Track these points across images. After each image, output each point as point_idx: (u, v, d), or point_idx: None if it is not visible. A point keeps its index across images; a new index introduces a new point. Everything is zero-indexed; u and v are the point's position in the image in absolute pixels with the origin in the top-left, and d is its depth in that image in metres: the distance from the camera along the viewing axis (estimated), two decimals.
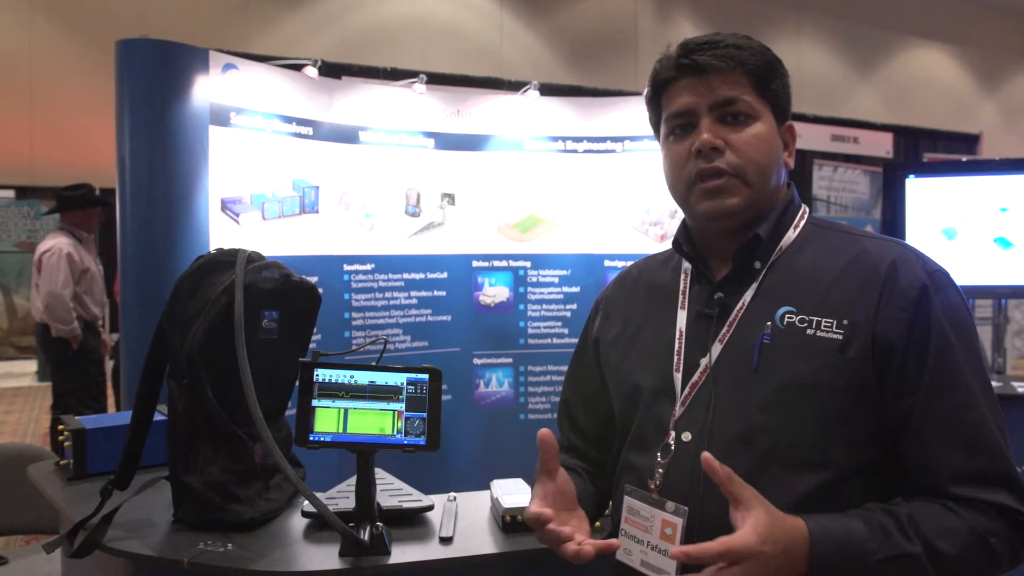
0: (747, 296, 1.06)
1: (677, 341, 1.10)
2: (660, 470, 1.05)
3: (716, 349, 1.05)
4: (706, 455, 0.89)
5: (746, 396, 1.01)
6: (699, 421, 1.03)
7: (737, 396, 1.02)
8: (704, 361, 1.06)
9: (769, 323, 1.02)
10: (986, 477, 0.94)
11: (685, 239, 1.14)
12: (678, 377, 1.07)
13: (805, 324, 1.01)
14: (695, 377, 1.06)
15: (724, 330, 1.06)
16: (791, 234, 1.09)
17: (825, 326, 0.99)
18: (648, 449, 1.08)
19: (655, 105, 1.14)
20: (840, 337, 0.98)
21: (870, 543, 0.90)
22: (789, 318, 1.02)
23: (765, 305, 1.04)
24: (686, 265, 1.15)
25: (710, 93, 1.05)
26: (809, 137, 8.32)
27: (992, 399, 0.98)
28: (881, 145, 9.10)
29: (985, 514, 0.93)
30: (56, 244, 4.42)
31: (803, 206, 1.14)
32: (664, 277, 1.19)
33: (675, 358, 1.09)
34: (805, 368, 0.99)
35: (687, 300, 1.12)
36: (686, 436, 1.04)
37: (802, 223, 1.10)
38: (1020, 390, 2.94)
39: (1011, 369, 4.50)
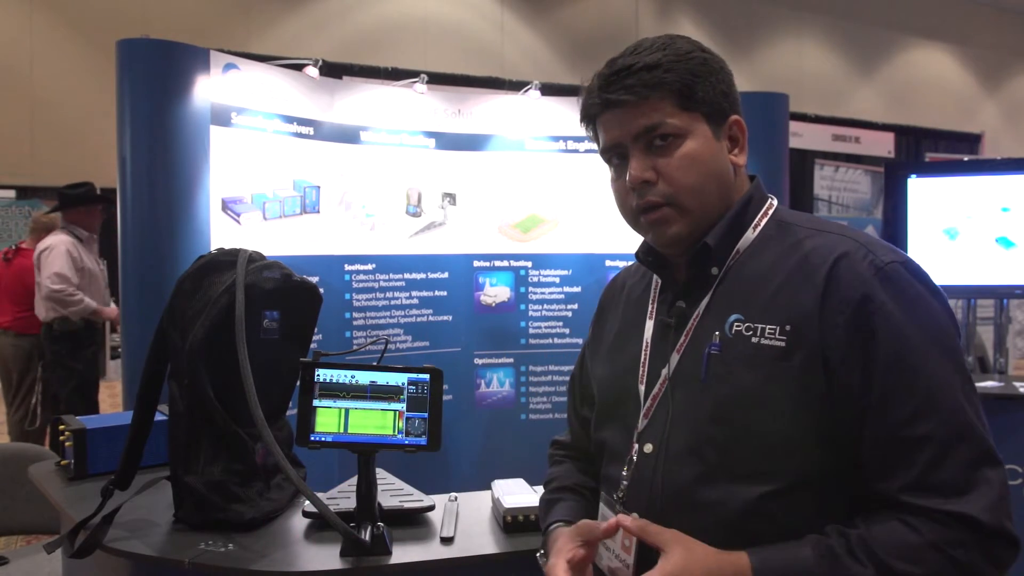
0: (703, 304, 1.03)
1: (643, 352, 1.08)
2: (624, 482, 1.04)
3: (674, 359, 1.03)
4: (618, 518, 0.94)
5: (695, 407, 0.99)
6: (658, 433, 1.02)
7: (688, 407, 1.00)
8: (664, 372, 1.04)
9: (718, 333, 0.99)
10: (942, 487, 0.87)
11: (646, 249, 1.12)
12: (642, 388, 1.06)
13: (750, 332, 0.97)
14: (655, 388, 1.04)
15: (681, 339, 1.03)
16: (750, 234, 1.04)
17: (768, 333, 0.95)
18: (617, 460, 1.08)
19: (594, 135, 1.11)
20: (783, 344, 0.94)
21: (816, 570, 0.87)
22: (737, 326, 0.98)
23: (717, 313, 1.01)
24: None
25: (630, 124, 1.01)
26: (810, 137, 8.32)
27: (959, 399, 0.90)
28: (883, 145, 9.11)
29: (944, 524, 0.86)
30: (55, 241, 4.42)
31: (769, 199, 1.08)
32: (640, 287, 1.17)
33: (640, 369, 1.07)
34: (749, 378, 0.95)
35: (654, 310, 1.11)
36: (647, 448, 1.03)
37: (763, 221, 1.05)
38: (1022, 390, 2.93)
39: (1013, 369, 4.49)
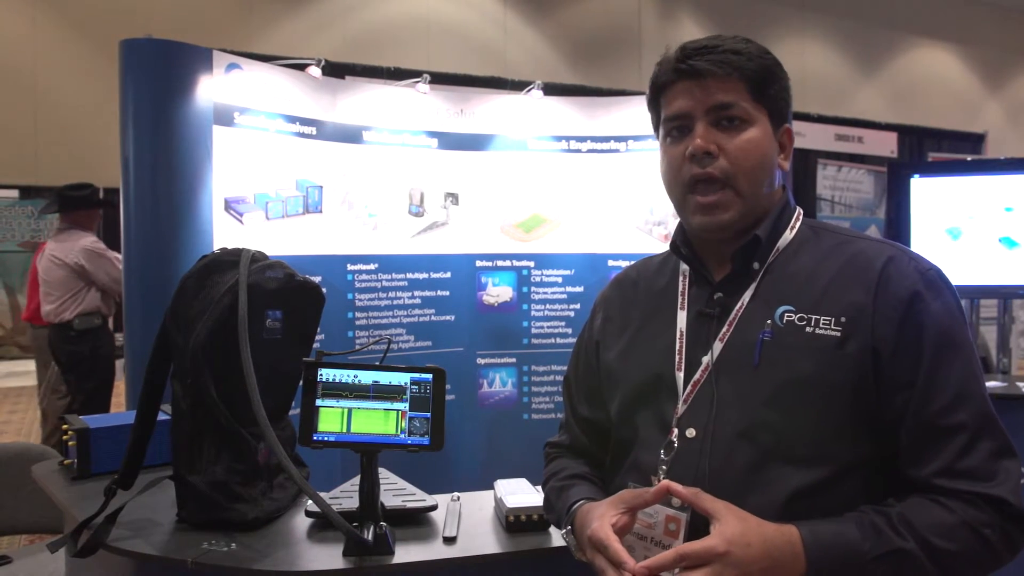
0: (746, 296, 1.08)
1: (678, 341, 1.12)
2: (664, 467, 1.06)
3: (717, 347, 1.07)
4: (667, 483, 0.96)
5: (748, 393, 1.03)
6: (703, 418, 1.05)
7: (739, 393, 1.04)
8: (706, 359, 1.08)
9: (769, 321, 1.05)
10: (972, 472, 0.96)
11: (683, 242, 1.16)
12: (680, 375, 1.09)
13: (804, 322, 1.03)
14: (697, 375, 1.08)
15: (724, 329, 1.08)
16: (788, 235, 1.11)
17: (823, 324, 1.02)
18: (651, 447, 1.10)
19: (655, 107, 1.16)
20: (838, 334, 1.01)
21: (863, 543, 0.93)
22: (788, 316, 1.04)
23: (764, 304, 1.07)
24: (684, 267, 1.17)
25: (706, 98, 1.07)
26: (813, 137, 8.31)
27: (984, 393, 1.01)
28: (885, 145, 9.08)
29: (975, 506, 0.95)
30: (88, 238, 4.38)
31: (797, 208, 1.16)
32: (662, 280, 1.21)
33: (676, 357, 1.11)
34: (805, 365, 1.01)
35: (687, 301, 1.14)
36: (690, 432, 1.06)
37: (798, 224, 1.13)
38: None
39: (1016, 369, 4.48)
